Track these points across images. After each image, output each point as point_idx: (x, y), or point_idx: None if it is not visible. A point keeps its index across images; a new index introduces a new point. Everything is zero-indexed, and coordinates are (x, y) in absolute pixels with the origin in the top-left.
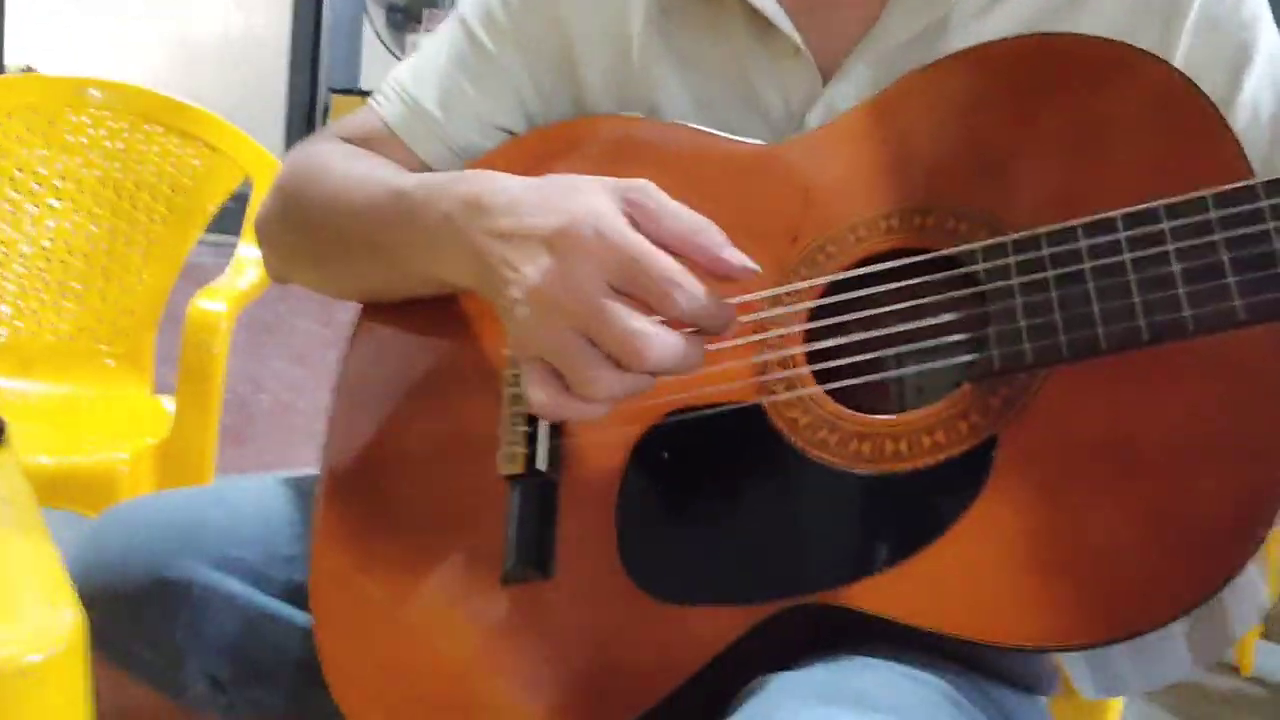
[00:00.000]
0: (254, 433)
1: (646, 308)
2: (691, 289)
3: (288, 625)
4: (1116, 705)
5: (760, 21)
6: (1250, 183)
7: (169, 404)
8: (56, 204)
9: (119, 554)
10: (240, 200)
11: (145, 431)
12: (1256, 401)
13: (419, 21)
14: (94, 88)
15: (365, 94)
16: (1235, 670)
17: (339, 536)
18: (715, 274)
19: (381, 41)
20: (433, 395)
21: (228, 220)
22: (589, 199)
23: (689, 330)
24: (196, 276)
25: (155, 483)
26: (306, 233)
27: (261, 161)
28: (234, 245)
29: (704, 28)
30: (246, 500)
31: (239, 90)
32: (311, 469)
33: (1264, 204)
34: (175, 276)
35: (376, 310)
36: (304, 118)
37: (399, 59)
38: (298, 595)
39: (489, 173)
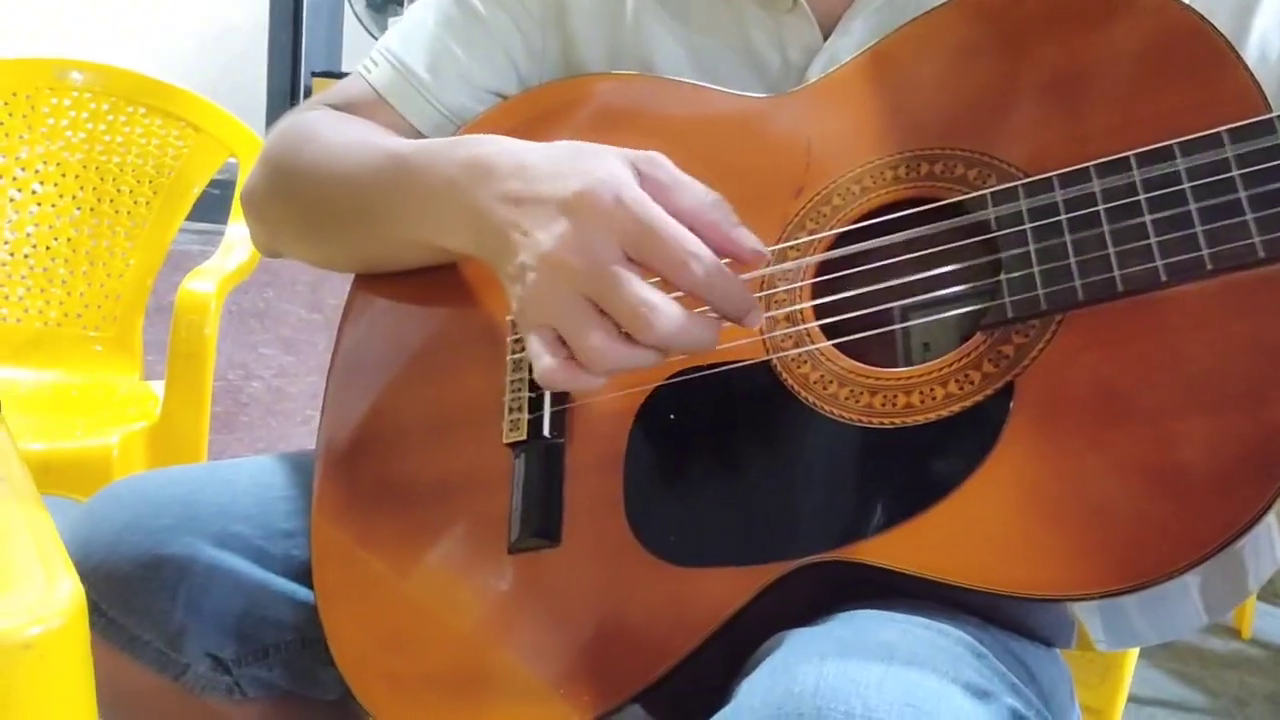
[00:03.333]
0: (245, 419)
1: (662, 282)
2: (709, 263)
3: (290, 601)
4: (1130, 658)
5: None
6: (1267, 117)
7: (158, 390)
8: (39, 189)
9: (115, 532)
10: (224, 187)
11: (135, 416)
12: (1265, 347)
13: (400, 4)
14: (75, 70)
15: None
16: (1235, 633)
17: (339, 510)
18: (723, 253)
19: (362, 24)
20: (432, 365)
21: (212, 208)
22: (606, 164)
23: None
24: (182, 264)
25: (146, 466)
26: (297, 201)
27: (246, 141)
28: (218, 233)
29: None
30: (243, 476)
31: (219, 76)
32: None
33: None
34: (162, 259)
35: (371, 281)
36: (285, 103)
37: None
38: (298, 570)
39: (492, 136)
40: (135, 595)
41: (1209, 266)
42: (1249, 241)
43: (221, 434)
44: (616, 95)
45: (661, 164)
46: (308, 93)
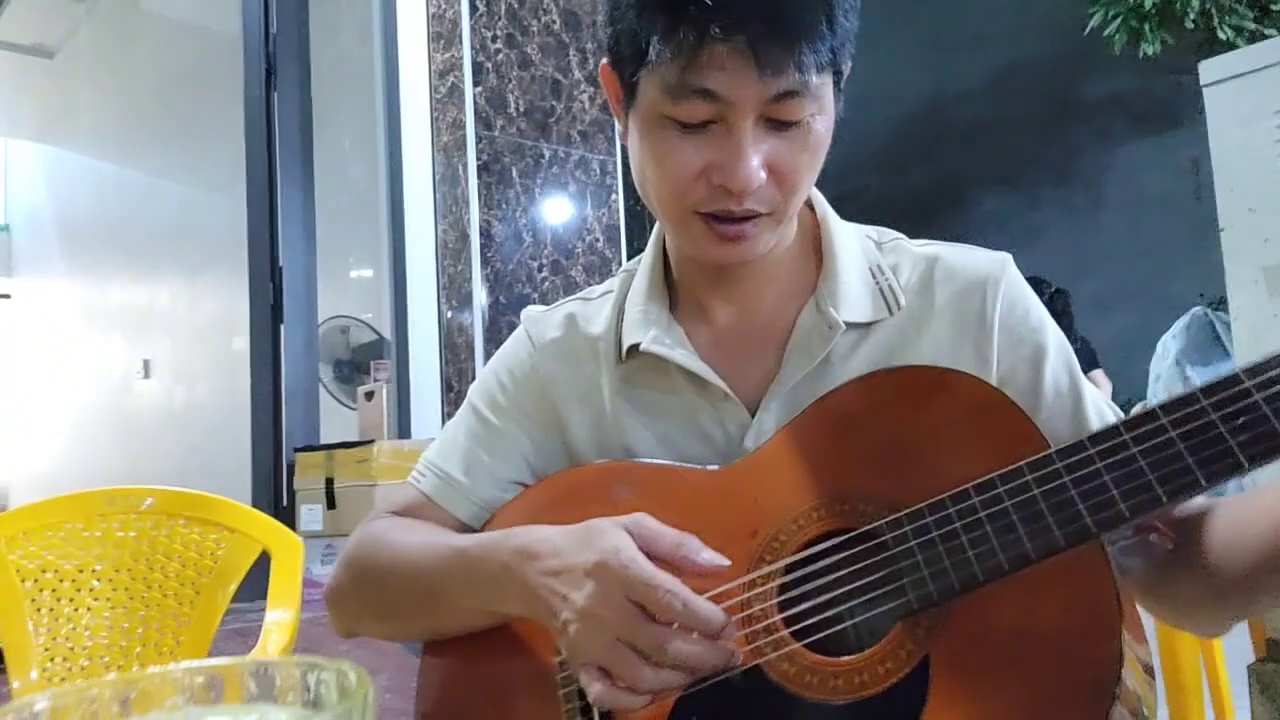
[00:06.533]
0: None
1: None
2: (685, 597)
3: None
4: None
5: (698, 379)
6: (1048, 452)
7: None
8: (94, 604)
9: None
10: (255, 570)
11: None
12: (1091, 598)
13: (366, 373)
14: (119, 496)
15: (325, 448)
16: None
17: None
18: (696, 573)
19: (331, 394)
20: (496, 703)
21: (245, 588)
22: (611, 537)
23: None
24: (223, 646)
25: None
26: (378, 594)
27: (275, 534)
28: (254, 610)
29: (658, 387)
30: None
31: (208, 458)
32: None
33: (1059, 465)
34: (207, 650)
35: (438, 646)
36: (269, 478)
37: (352, 409)
38: None
39: (531, 527)
40: None
41: (1033, 557)
42: (1055, 536)
43: None
44: (610, 478)
45: (645, 523)
46: (290, 468)
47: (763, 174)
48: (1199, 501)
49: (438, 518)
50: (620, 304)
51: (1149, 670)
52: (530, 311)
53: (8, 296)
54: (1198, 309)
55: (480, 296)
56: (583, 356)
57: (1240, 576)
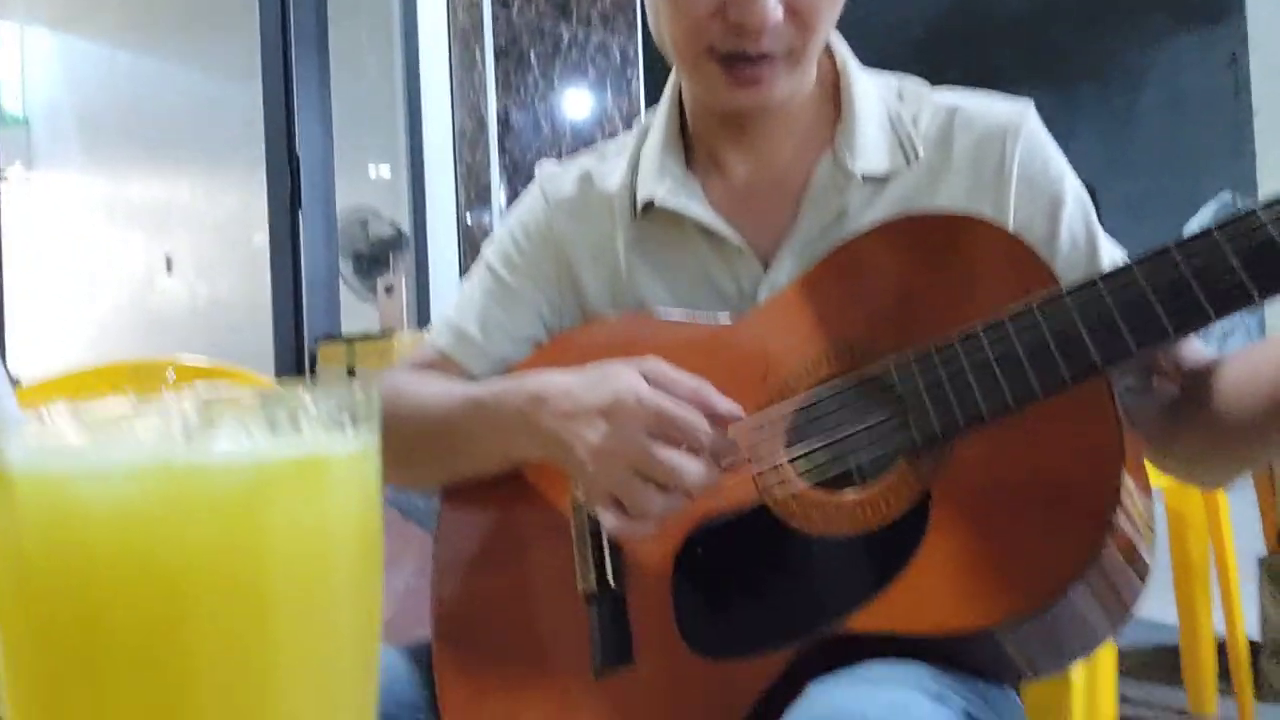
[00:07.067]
0: None
1: (676, 445)
2: (706, 430)
3: None
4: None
5: (712, 234)
6: (1058, 292)
7: None
8: None
9: None
10: None
11: None
12: (1093, 433)
13: (386, 265)
14: (140, 368)
15: (346, 339)
16: None
17: (459, 671)
18: (710, 417)
19: (350, 287)
20: (513, 546)
21: None
22: (625, 377)
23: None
24: None
25: None
26: (395, 442)
27: None
28: None
29: (672, 242)
30: None
31: (229, 346)
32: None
33: (1071, 305)
34: None
35: (455, 491)
36: (291, 367)
37: (372, 302)
38: None
39: (541, 372)
40: None
41: (1038, 391)
42: (1061, 375)
43: None
44: (626, 329)
45: (659, 366)
46: (313, 357)
47: (779, 11)
48: (1210, 352)
49: (454, 373)
50: (635, 158)
51: (1149, 525)
52: (546, 168)
53: (24, 186)
54: (1225, 193)
55: (499, 187)
56: (598, 214)
57: (1248, 422)
